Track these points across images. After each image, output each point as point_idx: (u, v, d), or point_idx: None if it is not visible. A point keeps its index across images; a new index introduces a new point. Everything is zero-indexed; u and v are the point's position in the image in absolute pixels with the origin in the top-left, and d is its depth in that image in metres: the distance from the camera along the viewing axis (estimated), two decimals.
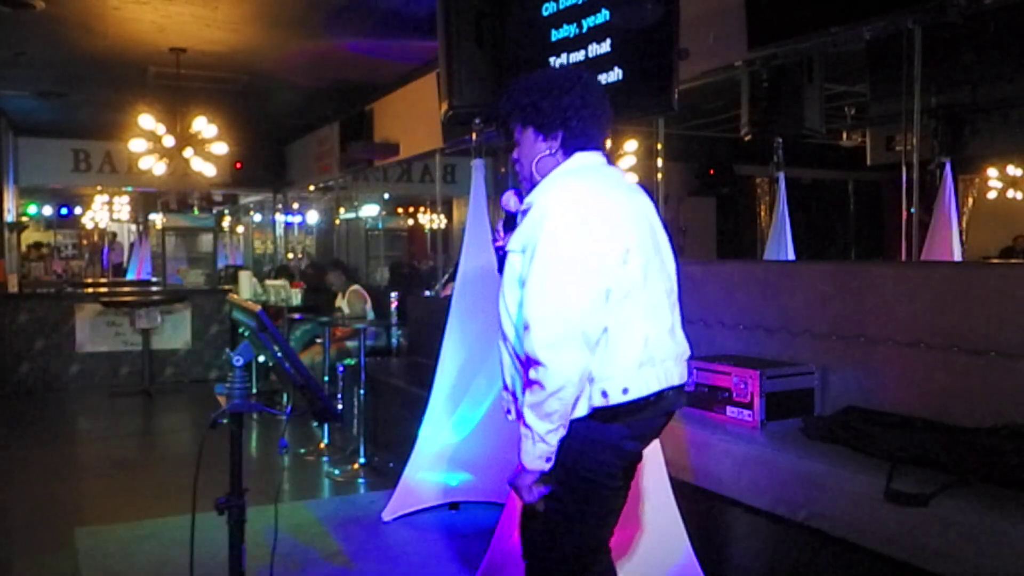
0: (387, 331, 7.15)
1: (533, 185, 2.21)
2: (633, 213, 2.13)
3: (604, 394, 2.02)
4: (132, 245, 16.56)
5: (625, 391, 2.03)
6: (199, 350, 9.05)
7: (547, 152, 2.17)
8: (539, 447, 1.98)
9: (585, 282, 1.97)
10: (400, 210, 15.18)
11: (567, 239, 1.98)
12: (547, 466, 2.01)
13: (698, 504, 3.19)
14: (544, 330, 1.93)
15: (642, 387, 2.06)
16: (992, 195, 8.69)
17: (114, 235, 17.11)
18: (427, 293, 7.86)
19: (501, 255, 2.22)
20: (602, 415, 2.03)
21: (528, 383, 1.98)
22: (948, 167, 5.26)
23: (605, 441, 2.07)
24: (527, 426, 1.98)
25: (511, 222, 2.24)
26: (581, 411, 2.02)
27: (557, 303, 1.94)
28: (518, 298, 2.03)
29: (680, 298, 2.25)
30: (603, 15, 3.49)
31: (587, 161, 2.17)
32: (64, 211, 16.41)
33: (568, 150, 2.17)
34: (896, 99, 4.40)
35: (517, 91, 2.20)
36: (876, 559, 2.57)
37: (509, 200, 2.26)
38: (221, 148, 7.56)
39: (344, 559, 3.72)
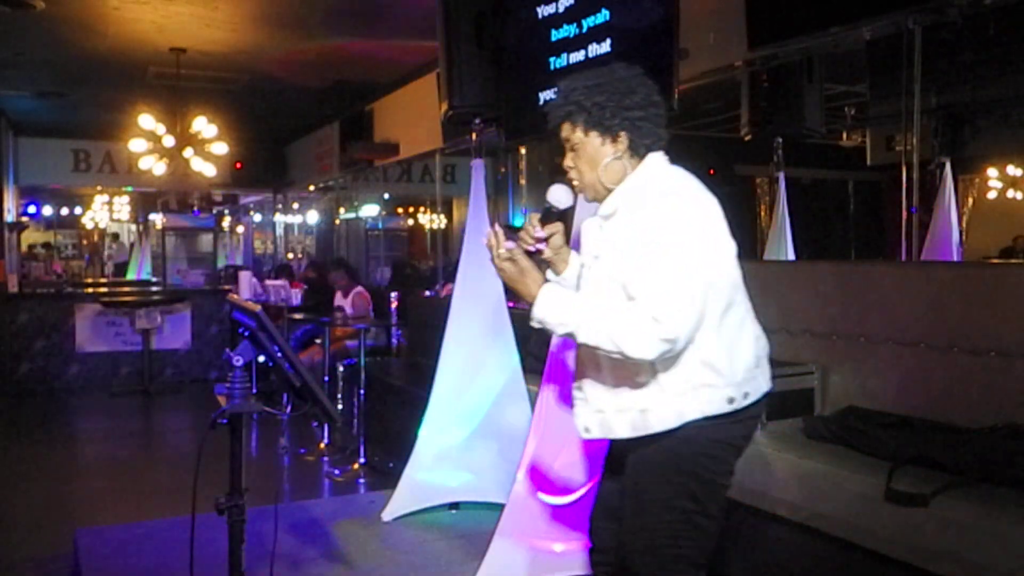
0: (387, 331, 7.15)
1: (597, 192, 2.11)
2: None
3: (730, 400, 1.99)
4: (132, 245, 16.57)
5: (746, 395, 2.03)
6: (199, 350, 9.05)
7: (613, 156, 2.06)
8: (559, 328, 1.96)
9: (707, 282, 1.94)
10: (400, 210, 15.18)
11: (690, 240, 1.92)
12: (534, 308, 1.99)
13: None
14: (672, 325, 1.86)
15: (758, 390, 2.06)
16: (992, 195, 8.68)
17: (116, 235, 17.11)
18: (427, 293, 7.86)
19: (533, 251, 2.11)
20: (721, 419, 2.00)
21: (626, 329, 1.88)
22: (948, 167, 5.26)
23: (729, 442, 2.04)
24: (589, 327, 1.92)
25: (549, 217, 2.11)
26: (694, 414, 1.97)
27: (689, 301, 1.89)
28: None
29: None
30: (603, 15, 3.49)
31: (664, 161, 2.09)
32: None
33: (636, 152, 2.07)
34: (896, 99, 4.40)
35: (576, 91, 2.06)
36: (876, 559, 2.57)
37: (560, 195, 2.11)
38: (221, 148, 7.56)
39: (344, 559, 3.72)
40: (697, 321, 1.92)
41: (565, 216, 2.15)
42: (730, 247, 2.05)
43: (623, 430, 2.05)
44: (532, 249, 2.11)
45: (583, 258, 2.19)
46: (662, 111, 2.08)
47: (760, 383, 2.08)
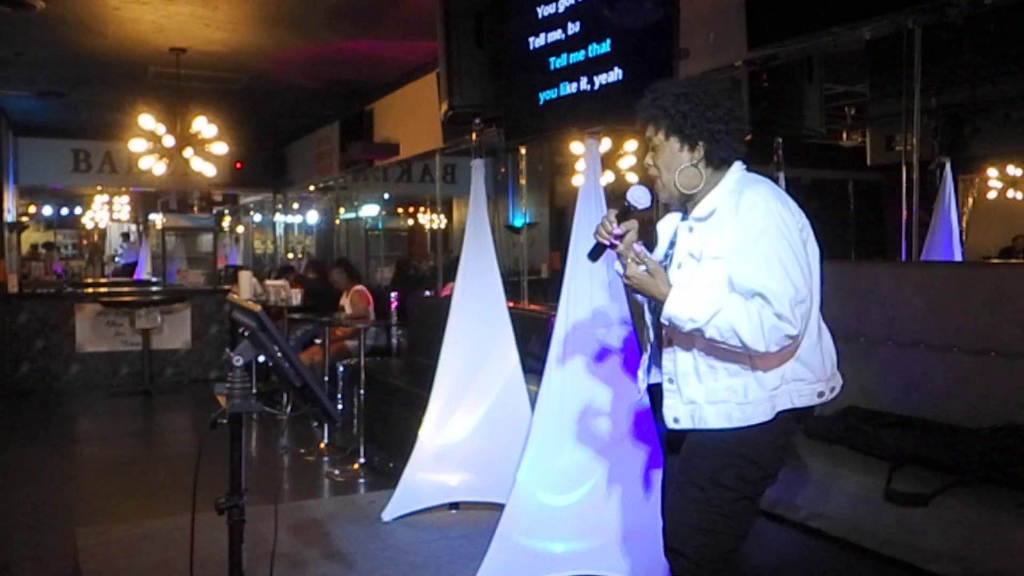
0: (387, 331, 7.15)
1: (670, 193, 2.20)
2: None
3: (820, 395, 2.13)
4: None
5: (833, 389, 2.17)
6: (199, 350, 9.05)
7: (689, 163, 2.16)
8: (687, 324, 2.02)
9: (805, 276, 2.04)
10: (400, 210, 15.17)
11: (793, 237, 2.03)
12: (666, 306, 2.05)
13: None
14: (796, 322, 1.97)
15: (839, 383, 2.20)
16: (992, 195, 8.67)
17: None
18: (427, 293, 7.87)
19: (608, 245, 2.18)
20: (798, 414, 2.11)
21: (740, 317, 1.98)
22: (948, 167, 5.26)
23: (788, 438, 2.16)
24: (717, 323, 1.99)
25: (625, 214, 2.18)
26: (784, 405, 2.08)
27: (804, 299, 2.00)
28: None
29: None
30: (603, 15, 3.49)
31: (744, 170, 2.19)
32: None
33: (710, 162, 2.15)
34: (896, 99, 4.40)
35: (665, 97, 2.16)
36: (876, 559, 2.57)
37: (640, 195, 2.17)
38: (221, 148, 7.56)
39: (344, 559, 3.72)
40: (808, 317, 2.04)
41: (632, 214, 2.22)
42: (816, 249, 2.14)
43: (717, 421, 2.11)
44: (608, 244, 2.18)
45: (676, 257, 2.22)
46: (743, 126, 2.17)
47: (839, 378, 2.21)
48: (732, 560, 2.16)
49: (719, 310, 1.99)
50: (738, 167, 2.18)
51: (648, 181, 2.26)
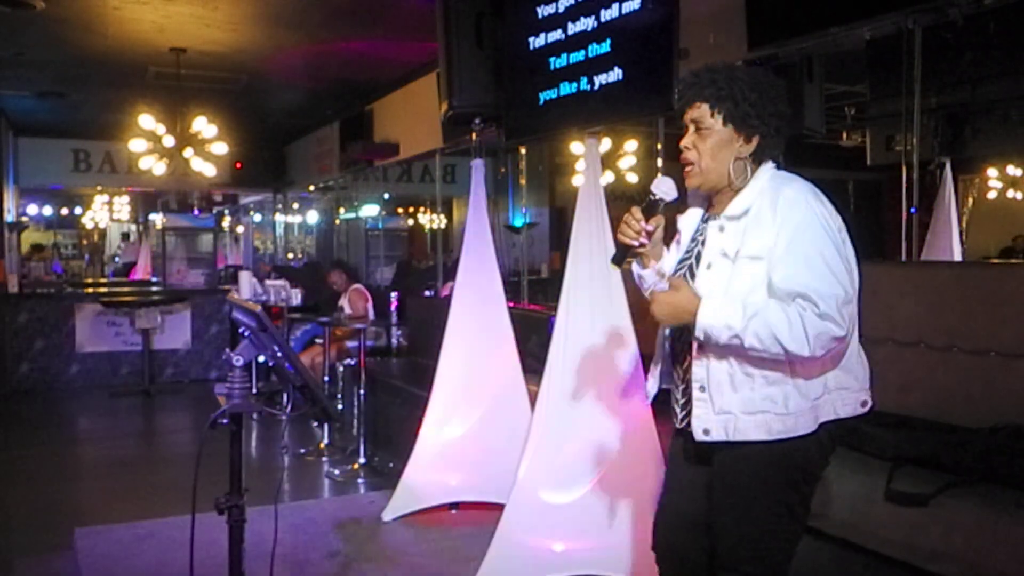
0: (387, 331, 7.16)
1: (707, 181, 2.08)
2: None
3: (863, 403, 2.04)
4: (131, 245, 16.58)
5: (873, 397, 2.08)
6: (199, 350, 9.05)
7: (739, 155, 2.05)
8: (724, 333, 1.90)
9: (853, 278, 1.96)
10: (400, 210, 15.18)
11: (836, 236, 1.96)
12: (699, 318, 1.93)
13: None
14: (841, 321, 1.87)
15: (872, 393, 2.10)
16: (992, 195, 8.67)
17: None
18: (427, 293, 7.87)
19: (637, 245, 2.08)
20: (842, 424, 2.03)
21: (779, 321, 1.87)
22: (948, 167, 5.26)
23: (832, 445, 2.05)
24: (755, 329, 1.88)
25: (652, 208, 2.07)
26: (828, 416, 1.99)
27: (852, 299, 1.91)
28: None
29: None
30: (603, 15, 3.49)
31: (773, 167, 2.11)
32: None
33: (758, 158, 2.07)
34: (896, 99, 4.40)
35: (737, 81, 2.03)
36: (876, 559, 2.57)
37: (668, 187, 2.06)
38: (221, 148, 7.56)
39: (344, 559, 3.72)
40: (855, 319, 1.96)
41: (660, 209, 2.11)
42: (852, 251, 2.03)
43: (755, 433, 1.97)
44: (635, 244, 2.07)
45: (706, 257, 2.09)
46: (787, 126, 2.10)
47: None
48: (788, 569, 2.06)
49: (755, 312, 1.87)
50: (770, 165, 2.09)
51: (668, 169, 2.18)
